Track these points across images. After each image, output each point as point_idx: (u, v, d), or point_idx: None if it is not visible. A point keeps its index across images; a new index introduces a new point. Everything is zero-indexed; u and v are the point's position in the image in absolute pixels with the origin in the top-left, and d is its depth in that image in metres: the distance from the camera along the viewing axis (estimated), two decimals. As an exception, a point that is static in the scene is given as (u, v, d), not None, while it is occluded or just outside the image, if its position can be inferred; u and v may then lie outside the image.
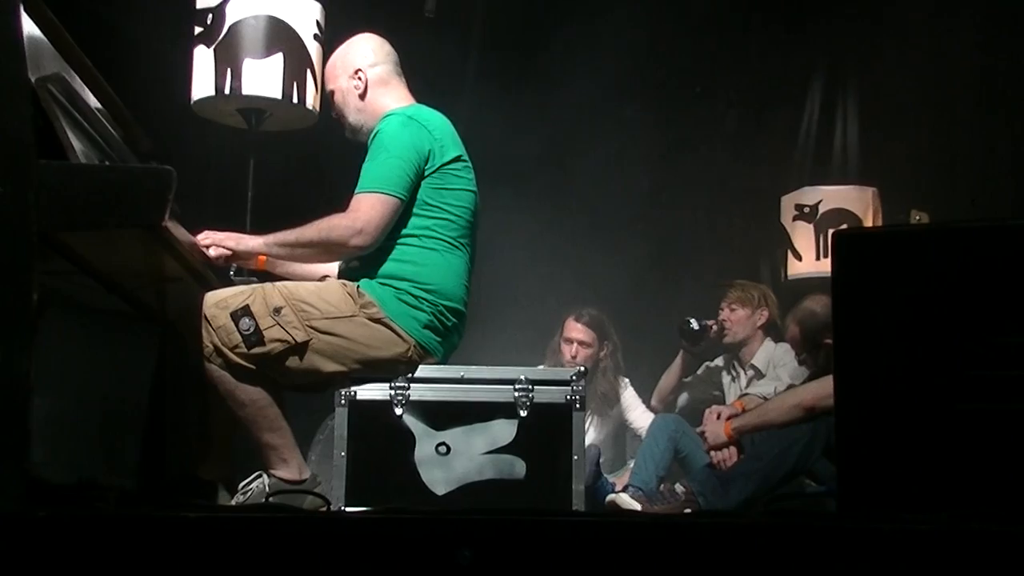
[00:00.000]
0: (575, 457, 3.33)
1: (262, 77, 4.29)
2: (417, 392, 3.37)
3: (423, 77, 3.81)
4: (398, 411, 3.35)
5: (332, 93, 3.67)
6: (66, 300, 3.18)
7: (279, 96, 4.33)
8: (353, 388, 3.36)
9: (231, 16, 4.29)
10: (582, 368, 3.67)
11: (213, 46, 4.30)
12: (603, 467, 4.81)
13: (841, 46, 6.25)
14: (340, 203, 3.40)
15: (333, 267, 3.65)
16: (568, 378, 3.42)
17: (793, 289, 5.56)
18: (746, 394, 4.81)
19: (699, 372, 5.50)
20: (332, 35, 4.23)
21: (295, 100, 4.36)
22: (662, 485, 4.27)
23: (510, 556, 2.03)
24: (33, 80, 2.63)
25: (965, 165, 5.53)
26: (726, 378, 5.40)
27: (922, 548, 1.98)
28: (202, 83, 4.33)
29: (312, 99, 4.37)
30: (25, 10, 2.59)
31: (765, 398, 4.46)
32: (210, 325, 3.25)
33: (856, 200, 5.73)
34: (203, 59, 4.32)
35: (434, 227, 3.44)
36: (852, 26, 6.13)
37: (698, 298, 5.72)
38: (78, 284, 3.03)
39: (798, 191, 5.88)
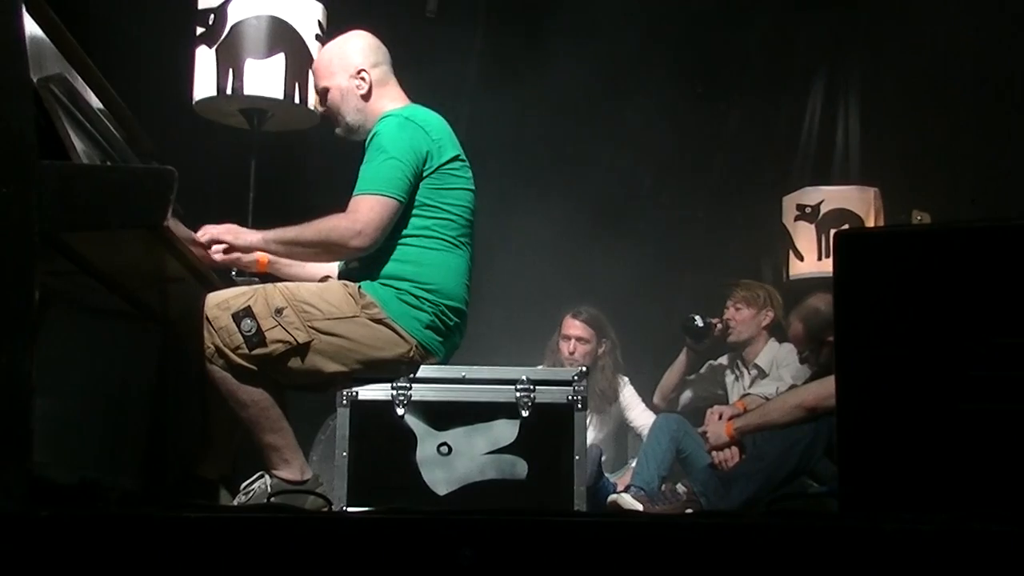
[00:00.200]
0: (576, 457, 3.33)
1: (264, 77, 4.30)
2: (419, 392, 3.37)
3: (423, 77, 3.80)
4: (400, 411, 3.35)
5: (327, 90, 3.62)
6: (68, 300, 3.18)
7: (281, 96, 4.33)
8: (355, 388, 3.36)
9: (233, 16, 4.29)
10: (583, 368, 3.67)
11: (215, 46, 4.30)
12: (604, 466, 4.81)
13: (843, 46, 6.24)
14: (341, 204, 3.39)
15: (334, 268, 3.65)
16: (570, 378, 3.42)
17: (795, 289, 5.55)
18: (748, 394, 4.81)
19: (702, 371, 5.50)
20: (333, 35, 4.23)
21: (297, 100, 4.36)
22: (664, 485, 4.27)
23: (512, 556, 2.03)
24: (35, 80, 2.64)
25: (966, 165, 5.52)
26: (729, 377, 5.40)
27: (924, 548, 1.98)
28: (204, 83, 4.34)
29: (314, 99, 4.36)
30: (27, 10, 2.60)
31: (767, 398, 4.47)
32: (212, 326, 3.25)
33: (858, 200, 5.73)
34: (205, 59, 4.32)
35: (434, 227, 3.44)
36: (853, 26, 6.12)
37: (699, 298, 5.72)
38: (80, 284, 3.03)
39: (800, 191, 5.88)
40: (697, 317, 5.30)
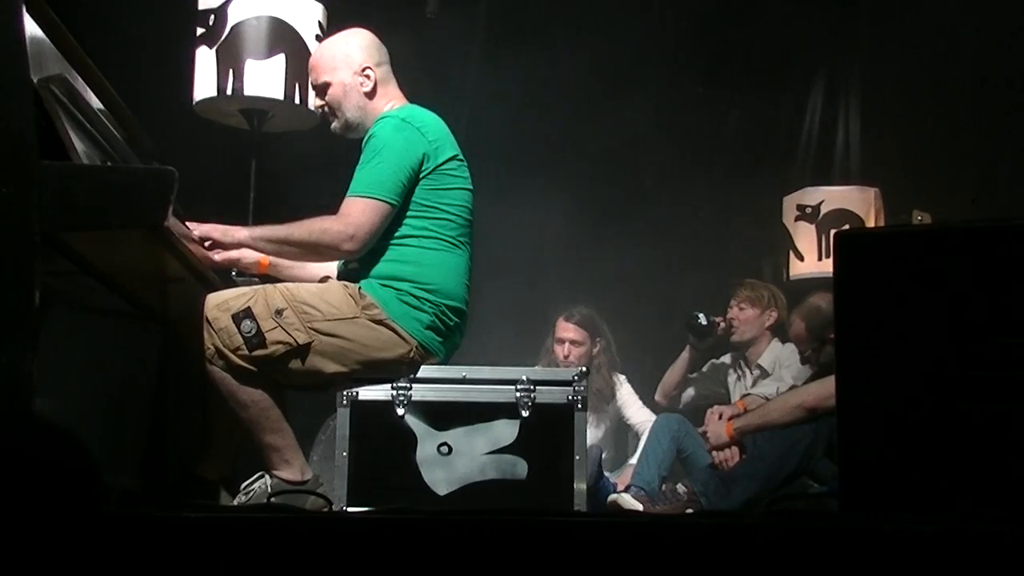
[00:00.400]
0: (577, 457, 3.33)
1: (264, 78, 4.30)
2: (419, 392, 3.37)
3: (422, 78, 3.80)
4: (400, 411, 3.35)
5: (327, 85, 3.59)
6: (69, 301, 3.18)
7: (281, 97, 4.33)
8: (355, 388, 3.36)
9: (233, 17, 4.29)
10: (583, 368, 3.67)
11: (215, 47, 4.30)
12: (604, 465, 4.81)
13: (843, 46, 6.24)
14: (339, 207, 3.39)
15: (333, 268, 3.65)
16: (570, 378, 3.42)
17: (795, 289, 5.55)
18: (748, 394, 4.81)
19: (704, 369, 5.50)
20: (333, 35, 4.23)
21: (297, 101, 4.36)
22: (664, 485, 4.27)
23: (512, 556, 2.03)
24: (35, 80, 2.64)
25: (966, 165, 5.52)
26: (731, 377, 5.40)
27: (924, 548, 1.98)
28: (204, 84, 4.34)
29: (313, 99, 4.36)
30: (27, 11, 2.60)
31: (767, 398, 4.47)
32: (212, 327, 3.25)
33: (858, 200, 5.73)
34: (205, 60, 4.32)
35: (433, 227, 3.44)
36: (853, 26, 6.13)
37: (700, 297, 5.72)
38: (80, 285, 3.03)
39: (800, 191, 5.88)
40: (701, 315, 5.30)
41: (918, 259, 2.38)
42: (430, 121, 3.52)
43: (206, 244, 3.39)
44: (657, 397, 5.47)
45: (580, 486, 3.31)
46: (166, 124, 4.27)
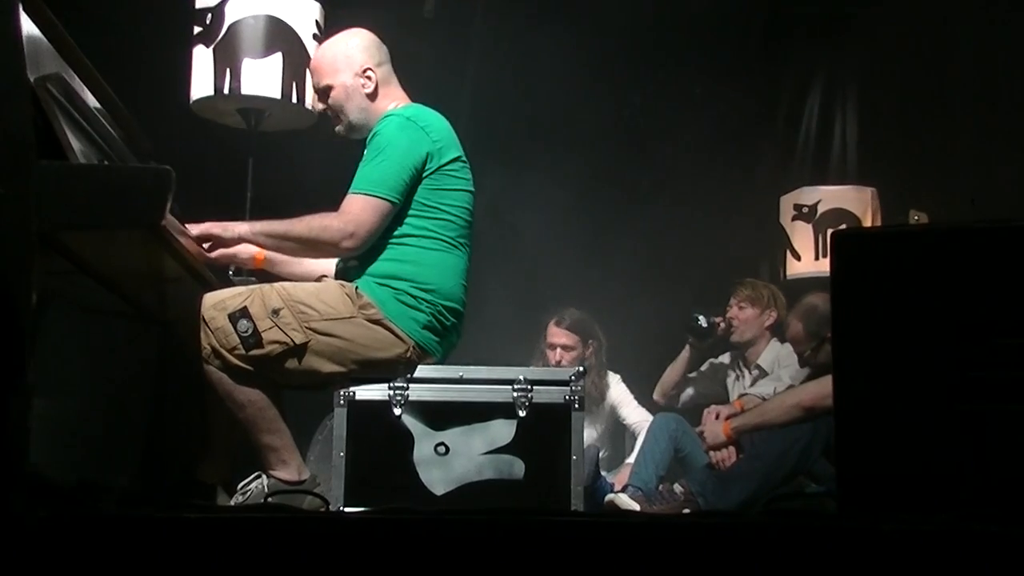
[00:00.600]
0: (574, 457, 3.33)
1: (261, 77, 4.29)
2: (416, 392, 3.37)
3: (420, 78, 3.80)
4: (397, 411, 3.35)
5: (329, 88, 3.59)
6: (66, 300, 3.17)
7: (278, 96, 4.33)
8: (352, 388, 3.36)
9: (230, 16, 4.29)
10: (581, 368, 3.67)
11: (212, 46, 4.30)
12: (600, 465, 4.81)
13: (840, 47, 6.25)
14: (339, 205, 3.39)
15: (332, 267, 3.64)
16: (567, 378, 3.42)
17: (792, 289, 5.56)
18: (745, 394, 4.81)
19: (704, 368, 5.49)
20: (332, 34, 4.23)
21: (294, 100, 4.36)
22: (661, 485, 4.27)
23: (509, 556, 2.03)
24: (32, 80, 2.64)
25: (963, 165, 5.53)
26: (730, 377, 5.39)
27: (922, 549, 1.98)
28: (201, 83, 4.33)
29: (311, 99, 4.35)
30: (24, 10, 2.59)
31: (764, 398, 4.46)
32: (208, 327, 3.25)
33: (855, 200, 5.74)
34: (202, 59, 4.32)
35: (432, 227, 3.44)
36: (852, 26, 6.13)
37: (698, 296, 5.72)
38: (78, 284, 3.03)
39: (797, 191, 5.89)
40: (701, 316, 5.29)
41: (915, 259, 2.38)
42: (435, 121, 3.52)
43: (205, 244, 3.38)
44: (656, 396, 5.46)
45: (577, 486, 3.31)
46: (163, 123, 4.27)
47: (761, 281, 5.51)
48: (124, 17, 4.71)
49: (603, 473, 4.79)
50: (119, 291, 3.21)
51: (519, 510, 2.97)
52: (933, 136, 5.67)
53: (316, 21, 4.39)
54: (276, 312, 3.27)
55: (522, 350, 5.34)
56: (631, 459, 4.88)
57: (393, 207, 3.38)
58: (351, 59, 3.59)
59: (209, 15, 4.30)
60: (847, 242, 2.49)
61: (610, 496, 4.22)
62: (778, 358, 5.15)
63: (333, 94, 3.59)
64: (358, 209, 3.36)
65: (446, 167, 3.46)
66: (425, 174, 3.42)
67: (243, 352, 3.24)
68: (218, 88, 4.30)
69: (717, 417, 4.22)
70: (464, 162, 3.54)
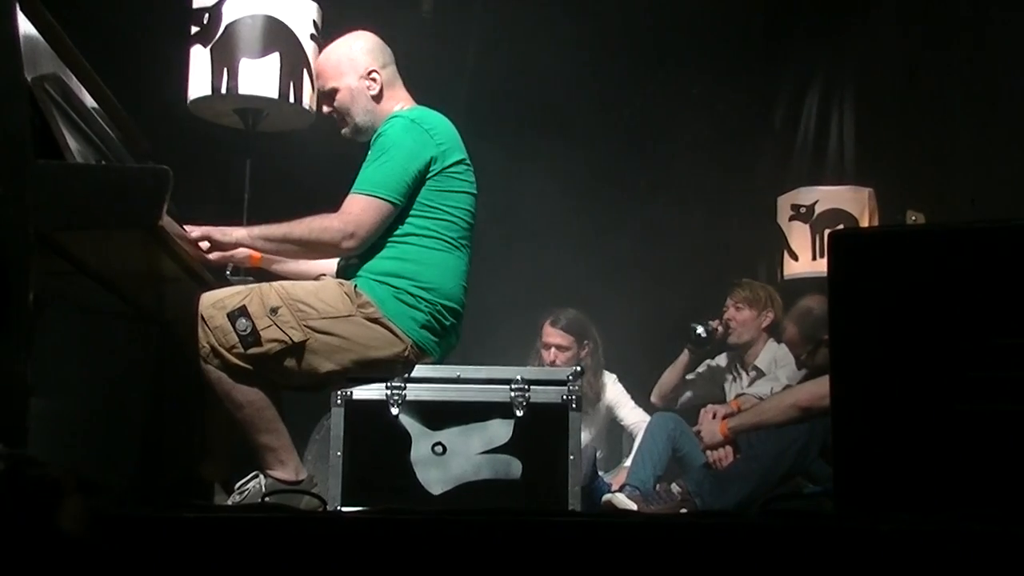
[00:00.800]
0: (571, 457, 3.33)
1: (259, 77, 4.29)
2: (413, 392, 3.37)
3: (419, 78, 3.80)
4: (394, 411, 3.35)
5: (335, 91, 3.61)
6: (64, 300, 3.17)
7: (276, 96, 4.32)
8: (349, 388, 3.36)
9: (227, 16, 4.28)
10: (578, 368, 3.67)
11: (209, 46, 4.29)
12: (598, 465, 4.81)
13: (839, 47, 6.25)
14: (336, 205, 3.40)
15: (331, 266, 3.64)
16: (564, 378, 3.42)
17: (790, 289, 5.56)
18: (742, 394, 4.81)
19: (701, 371, 5.49)
20: (329, 35, 4.23)
21: (292, 100, 4.35)
22: (658, 485, 4.27)
23: (506, 556, 2.03)
24: (30, 80, 2.63)
25: (960, 165, 5.53)
26: (728, 379, 5.39)
27: (919, 549, 1.98)
28: (198, 83, 4.33)
29: (309, 99, 4.36)
30: (22, 10, 2.59)
31: (761, 398, 4.47)
32: (207, 325, 3.25)
33: (852, 200, 5.74)
34: (199, 59, 4.32)
35: (434, 227, 3.45)
36: (850, 26, 6.13)
37: (695, 297, 5.73)
38: (76, 284, 3.03)
39: (794, 191, 5.89)
40: (700, 327, 5.27)
41: (912, 259, 2.38)
42: (439, 124, 3.52)
43: (204, 246, 3.38)
44: (653, 399, 5.45)
45: (574, 486, 3.31)
46: (161, 123, 4.27)
47: (758, 282, 5.50)
48: (121, 17, 4.70)
49: (600, 473, 4.79)
50: (117, 291, 3.20)
51: (516, 510, 2.97)
52: (931, 136, 5.67)
53: (313, 21, 4.39)
54: (275, 311, 3.27)
55: (519, 350, 5.34)
56: (629, 461, 4.88)
57: (394, 208, 3.39)
58: (356, 62, 3.60)
59: (206, 15, 4.29)
60: (844, 242, 2.49)
61: (607, 496, 4.22)
62: (775, 358, 5.14)
63: (339, 96, 3.60)
64: (359, 209, 3.36)
65: (449, 169, 3.47)
66: (428, 176, 3.43)
67: (242, 351, 3.25)
68: (215, 88, 4.29)
69: (714, 417, 4.22)
70: (468, 165, 3.55)
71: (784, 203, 5.89)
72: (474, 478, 3.34)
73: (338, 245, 3.37)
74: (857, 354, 2.38)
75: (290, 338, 3.27)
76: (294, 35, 4.33)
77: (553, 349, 5.24)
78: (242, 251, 3.50)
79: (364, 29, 3.71)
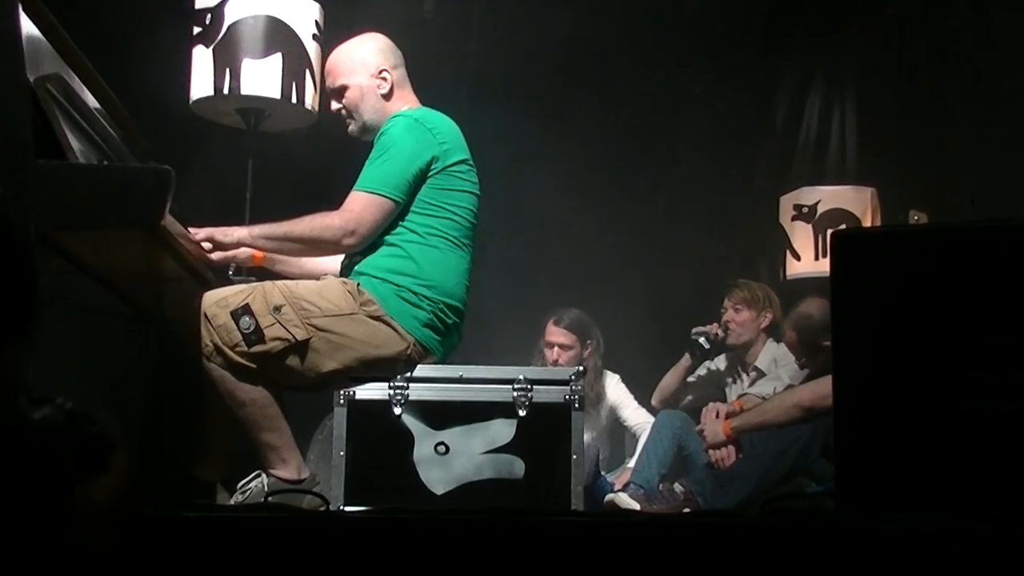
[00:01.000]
0: (574, 456, 3.33)
1: (261, 77, 4.29)
2: (416, 392, 3.37)
3: (420, 77, 3.80)
4: (397, 411, 3.35)
5: (344, 88, 3.61)
6: (65, 300, 3.17)
7: (278, 96, 4.32)
8: (352, 388, 3.36)
9: (230, 16, 4.28)
10: (581, 368, 3.67)
11: (212, 46, 4.30)
12: (600, 465, 4.80)
13: (841, 46, 6.25)
14: (338, 204, 3.40)
15: (334, 266, 3.65)
16: (567, 378, 3.42)
17: (792, 289, 5.55)
18: (745, 393, 4.81)
19: (701, 373, 5.48)
20: (331, 35, 4.23)
21: (294, 100, 4.36)
22: (661, 484, 4.27)
23: (509, 556, 2.03)
24: (32, 80, 2.63)
25: (962, 165, 5.53)
26: (728, 381, 5.38)
27: (921, 549, 1.98)
28: (201, 83, 4.33)
29: (311, 99, 4.36)
30: (24, 10, 2.59)
31: (764, 398, 4.46)
32: (210, 324, 3.25)
33: (855, 200, 5.73)
34: (202, 59, 4.32)
35: (436, 226, 3.45)
36: (852, 26, 6.13)
37: (697, 298, 5.72)
38: (77, 284, 3.03)
39: (797, 191, 5.89)
40: (702, 339, 5.25)
41: (915, 259, 2.38)
42: (442, 123, 3.53)
43: (207, 247, 3.39)
44: (654, 402, 5.44)
45: (577, 485, 3.31)
46: (163, 123, 4.27)
47: (755, 282, 5.49)
48: (123, 17, 4.70)
49: (603, 473, 4.79)
50: (117, 291, 3.20)
51: (519, 510, 2.97)
52: (933, 136, 5.67)
53: (316, 21, 4.39)
54: (278, 308, 3.28)
55: (522, 350, 5.34)
56: (632, 462, 4.88)
57: (395, 206, 3.39)
58: (368, 60, 3.62)
59: (209, 15, 4.30)
60: (847, 242, 2.49)
61: (610, 496, 4.23)
62: (775, 358, 5.13)
63: (348, 94, 3.61)
64: (360, 207, 3.37)
65: (452, 168, 3.47)
66: (430, 175, 3.44)
67: (245, 349, 3.25)
68: (218, 88, 4.30)
69: (716, 416, 4.22)
70: (471, 165, 3.56)
71: (786, 203, 5.88)
72: (476, 478, 3.34)
73: (339, 242, 3.38)
74: (859, 354, 2.38)
75: (293, 336, 3.27)
76: (296, 35, 4.33)
77: (556, 348, 5.25)
78: (244, 251, 3.50)
79: (366, 29, 3.71)
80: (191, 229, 3.32)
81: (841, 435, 2.38)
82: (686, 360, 5.39)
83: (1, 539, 1.37)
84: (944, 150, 5.61)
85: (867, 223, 5.60)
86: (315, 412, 3.88)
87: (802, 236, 5.78)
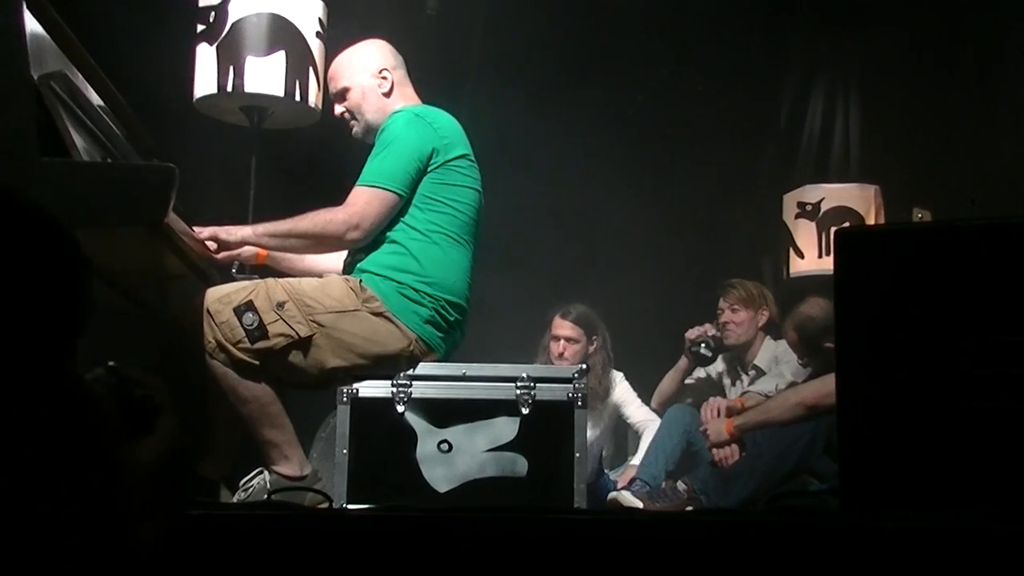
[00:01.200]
0: (577, 454, 3.33)
1: (264, 75, 4.29)
2: (419, 389, 3.37)
3: (423, 75, 3.80)
4: (400, 408, 3.35)
5: (346, 90, 3.64)
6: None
7: (281, 94, 4.32)
8: (355, 385, 3.36)
9: (233, 14, 4.28)
10: (584, 366, 3.67)
11: (215, 44, 4.30)
12: (603, 463, 4.80)
13: (844, 44, 6.24)
14: (342, 202, 3.41)
15: (336, 265, 3.65)
16: (570, 375, 3.42)
17: (795, 287, 5.55)
18: (747, 391, 4.80)
19: (700, 374, 5.47)
20: (334, 33, 4.23)
21: (297, 98, 4.35)
22: (664, 483, 4.27)
23: (512, 553, 2.03)
24: (36, 78, 2.64)
25: (966, 163, 5.52)
26: (727, 381, 5.37)
27: (924, 546, 1.98)
28: (204, 81, 4.33)
29: (314, 97, 4.36)
30: (28, 8, 2.60)
31: (767, 396, 4.46)
32: (213, 320, 3.26)
33: (858, 198, 5.72)
34: (205, 57, 4.32)
35: (437, 222, 3.45)
36: (855, 23, 6.12)
37: (700, 296, 5.71)
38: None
39: (800, 189, 5.87)
40: (702, 345, 5.23)
41: (918, 256, 2.38)
42: (443, 119, 3.55)
43: (211, 246, 3.39)
44: (653, 404, 5.42)
45: (580, 484, 3.31)
46: (166, 121, 4.27)
47: (748, 281, 5.47)
48: (127, 15, 4.70)
49: (606, 471, 4.79)
50: (121, 288, 3.21)
51: (522, 508, 2.97)
52: (937, 133, 5.66)
53: (319, 19, 4.39)
54: (281, 305, 3.28)
55: (525, 348, 5.34)
56: (635, 460, 4.87)
57: (398, 199, 3.40)
58: (367, 62, 3.65)
59: (212, 13, 4.30)
60: (850, 240, 2.49)
61: (613, 494, 4.22)
62: (776, 356, 5.12)
63: (350, 95, 3.63)
64: (363, 201, 3.38)
65: (452, 163, 3.48)
66: (430, 168, 3.45)
67: (248, 345, 3.25)
68: (221, 86, 4.30)
69: (719, 414, 4.21)
70: (472, 161, 3.56)
71: (790, 201, 5.87)
72: (480, 475, 3.33)
73: (343, 237, 3.39)
74: (863, 351, 2.38)
75: (296, 333, 3.27)
76: (300, 33, 4.33)
77: (562, 341, 5.25)
78: (248, 249, 3.51)
79: (369, 26, 3.72)
80: (195, 228, 3.33)
81: (844, 433, 2.38)
82: (683, 361, 5.38)
83: (53, 498, 1.38)
84: (948, 147, 5.61)
85: (871, 221, 5.58)
86: (318, 410, 3.88)
87: (805, 234, 5.76)
